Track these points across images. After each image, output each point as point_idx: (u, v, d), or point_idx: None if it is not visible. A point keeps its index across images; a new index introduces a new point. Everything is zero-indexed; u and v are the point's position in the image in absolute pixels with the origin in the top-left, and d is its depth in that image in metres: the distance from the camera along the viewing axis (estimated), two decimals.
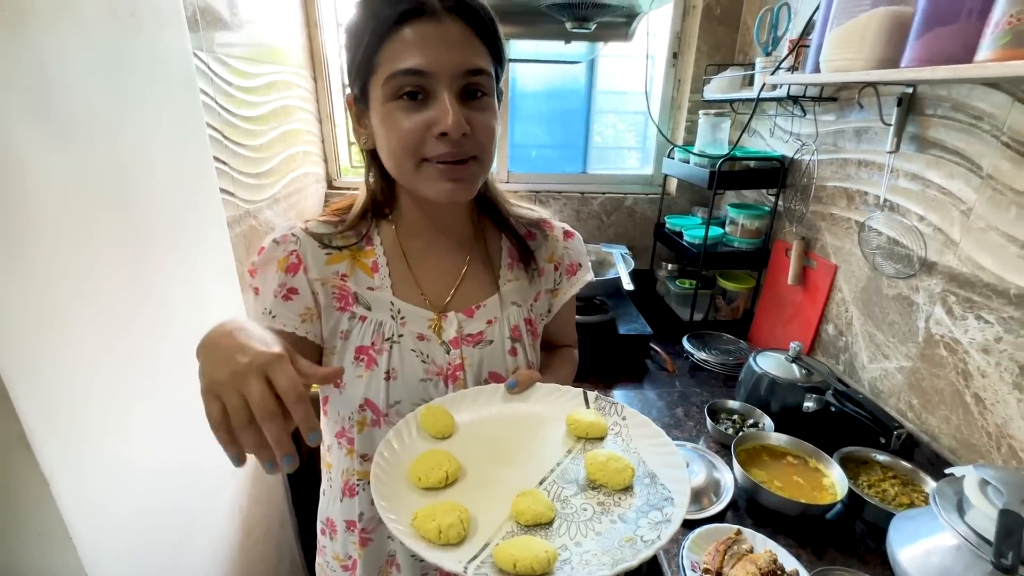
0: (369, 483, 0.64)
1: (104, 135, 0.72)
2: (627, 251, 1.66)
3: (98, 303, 0.70)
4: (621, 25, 1.52)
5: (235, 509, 1.09)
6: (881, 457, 0.98)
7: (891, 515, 0.82)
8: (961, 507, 0.71)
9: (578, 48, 1.67)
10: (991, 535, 0.64)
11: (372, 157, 0.64)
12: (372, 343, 0.65)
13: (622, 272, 1.40)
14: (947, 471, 0.75)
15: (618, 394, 1.28)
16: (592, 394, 0.69)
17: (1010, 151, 0.82)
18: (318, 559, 0.82)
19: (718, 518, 0.89)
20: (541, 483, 0.57)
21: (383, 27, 0.52)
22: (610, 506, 0.54)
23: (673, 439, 1.09)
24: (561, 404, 0.68)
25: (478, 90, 0.56)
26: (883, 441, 0.98)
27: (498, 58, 0.58)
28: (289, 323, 0.64)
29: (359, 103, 0.60)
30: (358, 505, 0.72)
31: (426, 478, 0.54)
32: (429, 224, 0.68)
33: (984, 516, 0.66)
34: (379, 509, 0.49)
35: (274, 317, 0.63)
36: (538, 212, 0.77)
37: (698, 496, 0.93)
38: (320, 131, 1.72)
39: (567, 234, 0.78)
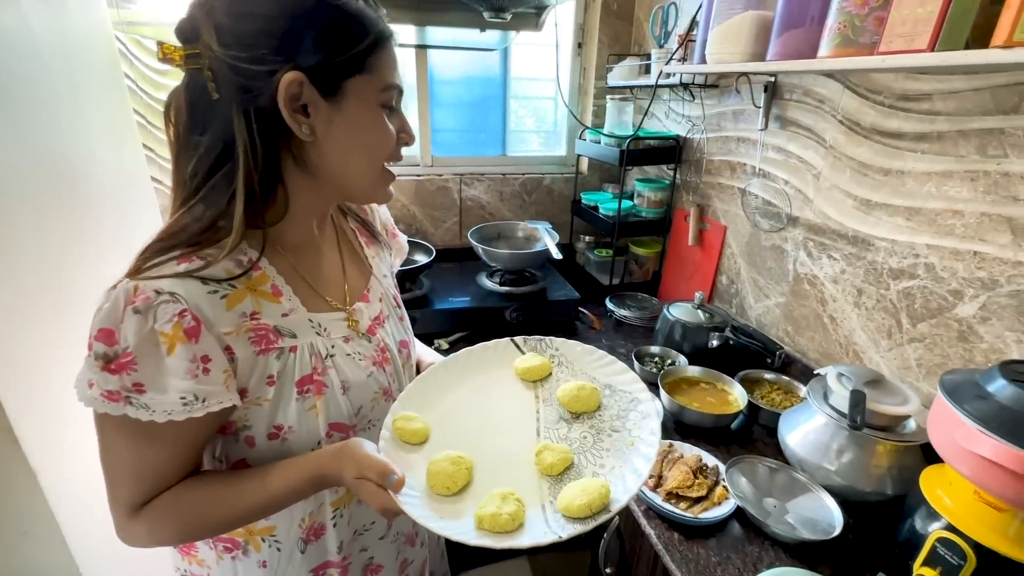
0: (344, 509, 0.68)
1: (49, 124, 0.69)
2: (550, 226, 1.81)
3: (60, 295, 0.68)
4: (532, 16, 1.64)
5: None
6: (768, 375, 1.23)
7: (778, 415, 1.05)
8: (826, 396, 0.95)
9: (492, 36, 1.76)
10: (847, 410, 0.87)
11: (272, 153, 0.54)
12: (314, 368, 0.60)
13: (550, 244, 1.54)
14: (815, 372, 0.99)
15: None
16: (520, 339, 0.75)
17: (843, 127, 1.07)
18: None
19: None
20: (539, 435, 0.64)
21: (377, 39, 0.54)
22: (598, 425, 0.64)
23: None
24: (500, 360, 0.73)
25: None
26: (769, 362, 1.23)
27: None
28: (224, 397, 0.53)
29: (327, 95, 0.53)
30: (335, 537, 0.68)
31: (454, 484, 0.56)
32: (310, 228, 0.65)
33: (841, 397, 0.89)
34: (447, 535, 0.49)
35: (204, 401, 0.51)
36: None
37: None
38: None
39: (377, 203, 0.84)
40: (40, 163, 0.66)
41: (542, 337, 0.75)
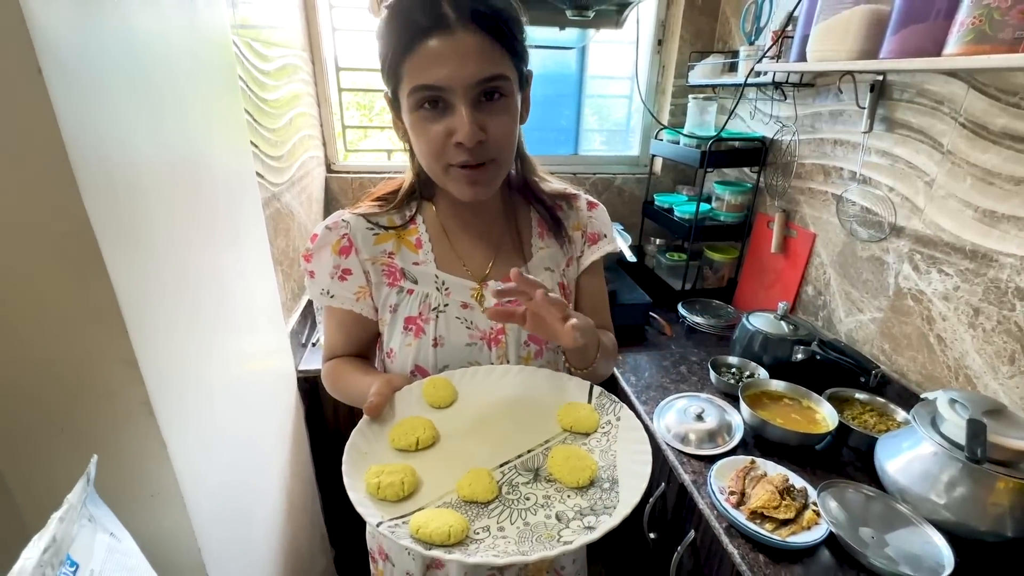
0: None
1: (181, 120, 0.74)
2: (621, 227, 1.78)
3: (183, 280, 0.73)
4: (613, 13, 1.60)
5: (282, 482, 1.14)
6: (860, 395, 1.15)
7: (872, 439, 0.98)
8: (935, 423, 0.87)
9: (571, 34, 1.74)
10: (961, 441, 0.80)
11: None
12: (419, 313, 0.71)
13: (623, 246, 1.51)
14: (922, 396, 0.91)
15: (626, 356, 1.39)
16: (598, 389, 0.70)
17: (966, 131, 0.98)
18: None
19: (732, 453, 1.02)
20: (502, 465, 0.59)
21: (405, 42, 0.56)
22: (554, 502, 0.54)
23: (680, 393, 1.22)
24: (563, 393, 0.69)
25: (496, 92, 0.59)
26: (863, 381, 1.15)
27: (519, 54, 0.61)
28: (346, 302, 0.72)
29: (393, 103, 0.64)
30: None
31: (398, 440, 0.60)
32: (465, 205, 0.71)
33: (954, 426, 0.82)
34: (344, 461, 0.55)
35: (332, 296, 0.72)
36: (564, 185, 0.82)
37: (713, 436, 1.06)
38: (319, 115, 1.72)
39: (591, 204, 0.82)
40: (173, 158, 0.72)
41: (618, 401, 0.68)
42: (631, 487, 0.56)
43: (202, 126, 0.82)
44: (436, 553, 0.47)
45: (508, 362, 0.74)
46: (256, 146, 1.09)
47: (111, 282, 0.56)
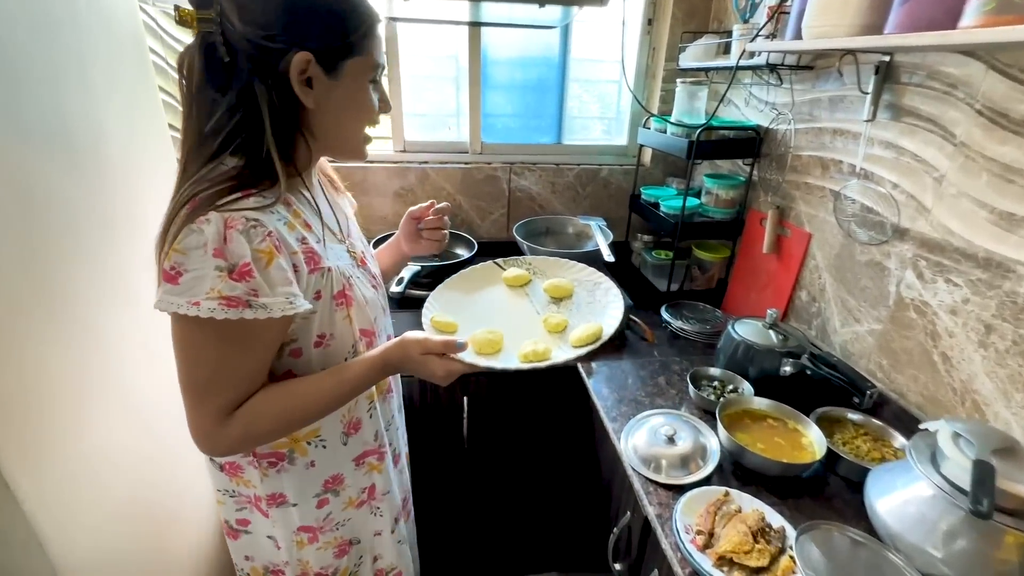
0: (374, 406, 0.82)
1: (49, 98, 0.63)
2: (604, 223, 1.66)
3: (45, 292, 0.63)
4: None
5: (214, 498, 1.04)
6: (853, 416, 1.03)
7: (864, 469, 0.86)
8: (935, 459, 0.75)
9: (552, 13, 1.61)
10: (964, 484, 0.68)
11: (290, 115, 0.63)
12: (344, 285, 0.71)
13: (602, 244, 1.40)
14: (920, 426, 0.80)
15: (600, 364, 1.28)
16: (500, 260, 1.06)
17: (983, 119, 0.85)
18: (311, 542, 0.81)
19: (706, 481, 0.91)
20: (538, 313, 0.95)
21: (374, 21, 0.65)
22: (577, 302, 0.97)
23: (657, 407, 1.11)
24: (488, 276, 1.04)
25: None
26: (856, 400, 1.03)
27: None
28: (305, 301, 0.62)
29: (328, 72, 0.63)
30: (371, 428, 0.81)
31: (495, 346, 0.83)
32: (310, 177, 0.75)
33: (958, 466, 0.70)
34: (501, 367, 0.80)
35: (299, 299, 0.61)
36: None
37: (686, 462, 0.95)
38: None
39: None
40: (29, 140, 0.61)
41: (518, 257, 1.06)
42: (588, 273, 1.03)
43: (102, 106, 0.71)
44: (608, 335, 0.84)
45: (384, 300, 0.86)
46: (178, 129, 0.98)
47: None
